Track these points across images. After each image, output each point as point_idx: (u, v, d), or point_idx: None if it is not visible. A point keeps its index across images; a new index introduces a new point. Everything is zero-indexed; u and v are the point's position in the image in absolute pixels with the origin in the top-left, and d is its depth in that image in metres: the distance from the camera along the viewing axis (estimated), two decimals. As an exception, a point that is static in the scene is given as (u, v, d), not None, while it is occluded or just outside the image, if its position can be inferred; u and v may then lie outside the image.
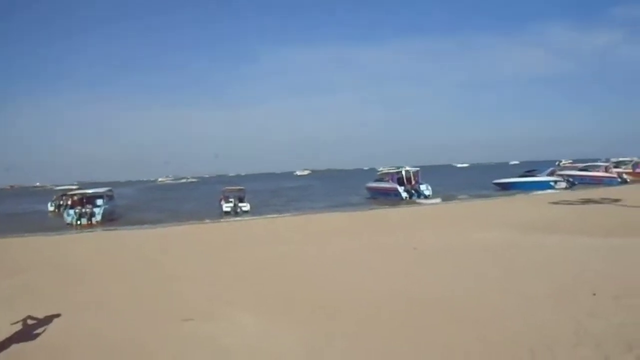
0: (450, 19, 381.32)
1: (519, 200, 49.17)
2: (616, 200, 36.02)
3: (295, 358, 8.94)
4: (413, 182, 58.40)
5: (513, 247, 18.76)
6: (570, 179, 62.09)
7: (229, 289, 14.82)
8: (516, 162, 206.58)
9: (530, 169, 71.00)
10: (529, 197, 50.38)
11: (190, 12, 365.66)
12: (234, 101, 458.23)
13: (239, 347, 9.49)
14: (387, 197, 57.65)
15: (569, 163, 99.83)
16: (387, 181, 61.11)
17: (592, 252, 16.68)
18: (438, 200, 54.58)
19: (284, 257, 20.04)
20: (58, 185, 79.22)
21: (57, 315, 11.87)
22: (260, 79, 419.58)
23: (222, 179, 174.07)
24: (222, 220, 46.56)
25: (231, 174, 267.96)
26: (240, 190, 58.95)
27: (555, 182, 60.71)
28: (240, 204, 53.32)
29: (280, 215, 47.30)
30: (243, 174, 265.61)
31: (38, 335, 10.56)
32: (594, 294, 11.12)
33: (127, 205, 65.91)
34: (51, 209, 65.13)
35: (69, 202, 54.06)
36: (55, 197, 67.22)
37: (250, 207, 53.54)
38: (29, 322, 11.37)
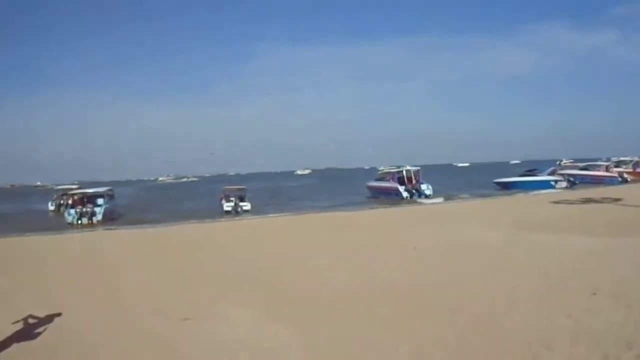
0: (449, 16, 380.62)
1: (519, 199, 49.17)
2: (617, 200, 36.00)
3: (290, 352, 9.01)
4: (414, 182, 58.30)
5: (512, 245, 18.79)
6: (571, 179, 62.06)
7: (225, 287, 14.92)
8: (517, 162, 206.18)
9: (530, 169, 70.87)
10: (530, 197, 50.38)
11: (189, 12, 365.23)
12: (234, 100, 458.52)
13: (235, 344, 9.53)
14: (388, 197, 57.61)
15: (569, 162, 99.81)
16: (388, 180, 61.07)
17: (592, 251, 16.69)
18: (439, 199, 54.52)
19: (282, 255, 20.17)
20: (59, 185, 78.86)
21: (59, 315, 11.89)
22: (261, 78, 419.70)
23: (223, 178, 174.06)
24: (222, 219, 46.61)
25: (231, 173, 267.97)
26: (241, 189, 58.89)
27: (556, 181, 60.66)
28: (241, 204, 53.34)
29: (280, 215, 47.26)
30: (243, 173, 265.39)
31: (39, 334, 10.57)
32: (594, 294, 11.13)
33: (127, 205, 65.90)
34: (51, 208, 65.00)
35: (70, 202, 54.01)
36: (55, 196, 67.03)
37: (251, 207, 53.58)
38: (30, 321, 11.39)
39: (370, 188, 65.80)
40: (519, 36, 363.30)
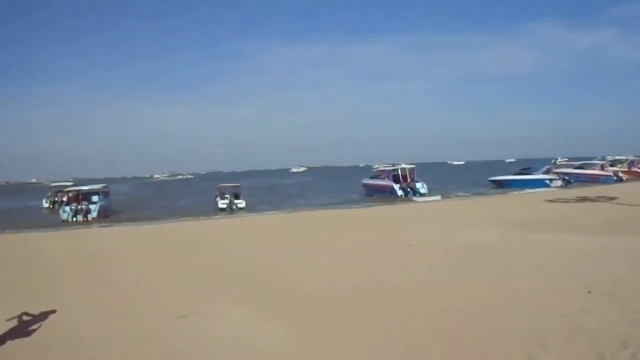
0: (445, 15, 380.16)
1: (514, 198, 49.22)
2: (612, 199, 36.09)
3: (285, 351, 9.02)
4: (409, 180, 58.28)
5: (507, 244, 18.80)
6: (566, 177, 62.19)
7: (219, 284, 14.94)
8: (512, 160, 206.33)
9: (525, 167, 70.92)
10: (525, 195, 50.42)
11: (184, 11, 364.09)
12: (230, 98, 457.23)
13: (230, 342, 9.54)
14: (383, 195, 57.59)
15: (564, 161, 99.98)
16: (383, 178, 60.96)
17: (587, 250, 16.71)
18: (433, 198, 54.51)
19: (277, 253, 20.15)
20: (54, 182, 78.68)
21: (53, 312, 11.87)
22: (256, 75, 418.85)
23: (218, 176, 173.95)
24: (217, 216, 46.63)
25: (226, 171, 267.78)
26: (235, 186, 58.84)
27: (551, 180, 60.72)
28: (235, 201, 53.33)
29: (275, 213, 47.26)
30: (239, 170, 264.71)
31: (33, 331, 10.54)
32: (589, 292, 11.13)
33: (123, 202, 65.74)
34: (46, 205, 64.83)
35: (65, 199, 53.93)
36: (50, 193, 66.89)
37: (246, 204, 53.58)
38: (25, 318, 11.35)
39: (366, 186, 65.72)
40: (515, 35, 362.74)
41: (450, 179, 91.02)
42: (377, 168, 71.44)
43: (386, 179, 60.06)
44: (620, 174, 66.42)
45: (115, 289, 14.77)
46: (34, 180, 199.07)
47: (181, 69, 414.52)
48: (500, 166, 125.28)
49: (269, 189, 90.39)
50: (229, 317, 11.30)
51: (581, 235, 19.95)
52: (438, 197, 54.93)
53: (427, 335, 9.13)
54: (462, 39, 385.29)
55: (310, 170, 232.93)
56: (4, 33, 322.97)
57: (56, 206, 58.65)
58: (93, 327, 10.76)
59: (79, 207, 48.90)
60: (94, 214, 48.62)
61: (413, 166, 61.25)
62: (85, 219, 47.69)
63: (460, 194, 59.40)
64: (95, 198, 52.34)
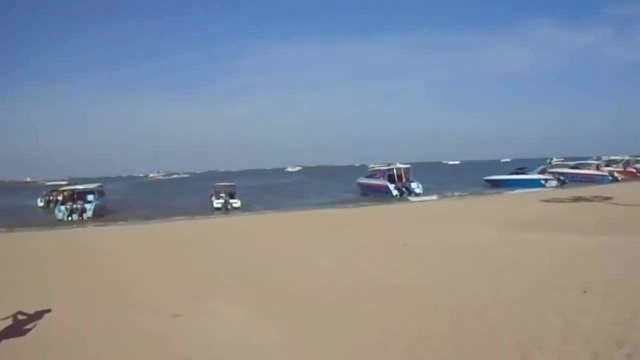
0: (440, 15, 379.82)
1: (509, 198, 49.39)
2: (607, 199, 36.18)
3: (281, 350, 9.04)
4: (404, 180, 58.21)
5: (502, 243, 18.81)
6: (561, 177, 62.31)
7: (214, 284, 14.97)
8: (508, 160, 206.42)
9: (520, 167, 70.98)
10: (520, 195, 50.55)
11: (184, 11, 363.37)
12: (227, 97, 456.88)
13: (226, 341, 9.55)
14: (378, 194, 57.56)
15: (560, 161, 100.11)
16: (379, 178, 60.91)
17: (583, 249, 16.73)
18: (429, 197, 54.58)
19: (272, 253, 20.18)
20: (49, 181, 78.40)
21: (48, 311, 11.84)
22: (253, 75, 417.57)
23: (213, 175, 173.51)
24: (213, 216, 46.64)
25: (222, 170, 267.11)
26: (231, 186, 58.75)
27: (546, 180, 60.79)
28: (231, 200, 53.24)
29: (270, 212, 47.29)
30: (234, 170, 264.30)
31: (28, 330, 10.52)
32: (585, 292, 11.15)
33: (118, 201, 65.53)
34: (41, 204, 64.47)
35: (60, 198, 53.76)
36: (45, 192, 66.57)
37: (241, 204, 53.55)
38: (20, 317, 11.33)
39: (361, 185, 65.69)
40: (512, 35, 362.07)
41: (446, 178, 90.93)
42: (373, 168, 71.35)
43: (381, 178, 59.96)
44: (616, 174, 66.48)
45: (111, 288, 14.76)
46: (28, 179, 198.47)
47: (180, 69, 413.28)
48: (495, 166, 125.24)
49: (265, 189, 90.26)
50: (225, 316, 11.32)
51: (577, 235, 19.99)
52: (435, 197, 55.04)
53: (423, 335, 9.14)
54: (460, 38, 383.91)
55: (306, 170, 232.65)
56: (4, 33, 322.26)
57: (51, 205, 58.33)
58: (89, 326, 10.75)
59: (75, 206, 48.64)
60: (89, 214, 48.36)
61: (408, 166, 61.22)
62: (80, 218, 47.41)
63: (456, 193, 59.41)
64: (90, 197, 52.03)
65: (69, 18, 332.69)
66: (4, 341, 9.79)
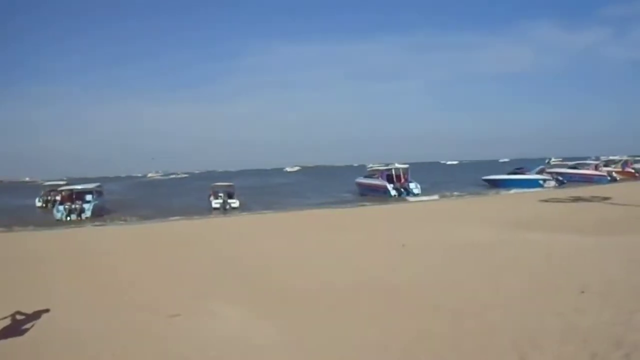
0: (440, 15, 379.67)
1: (508, 198, 49.49)
2: (606, 199, 36.17)
3: (278, 348, 9.07)
4: (402, 180, 58.26)
5: (501, 243, 18.80)
6: (560, 178, 62.37)
7: (213, 284, 14.98)
8: (506, 160, 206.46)
9: (519, 167, 71.03)
10: (518, 195, 50.64)
11: (179, 9, 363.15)
12: (225, 97, 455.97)
13: (225, 341, 9.56)
14: (376, 194, 57.64)
15: (558, 161, 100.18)
16: (377, 178, 60.92)
17: (581, 249, 16.73)
18: (427, 198, 54.61)
19: (271, 253, 20.16)
20: (48, 181, 78.27)
21: (46, 311, 11.84)
22: (252, 74, 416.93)
23: (212, 175, 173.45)
24: (211, 216, 46.70)
25: (220, 170, 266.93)
26: (229, 186, 58.82)
27: (544, 180, 60.84)
28: (229, 200, 53.29)
29: (269, 212, 47.31)
30: (232, 170, 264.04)
31: (26, 330, 10.52)
32: (583, 292, 11.15)
33: (116, 201, 65.48)
34: (39, 204, 64.25)
35: (58, 198, 53.67)
36: (43, 192, 66.44)
37: (240, 204, 53.58)
38: (18, 317, 11.33)
39: (359, 185, 65.77)
40: (511, 35, 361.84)
41: (444, 178, 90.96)
42: (372, 168, 71.35)
43: (380, 178, 60.00)
44: (614, 174, 66.62)
45: (110, 288, 14.77)
46: (27, 179, 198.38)
47: (180, 69, 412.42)
48: (494, 166, 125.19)
49: (263, 189, 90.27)
50: (224, 316, 11.33)
51: (575, 235, 20.00)
52: (433, 197, 55.10)
53: (423, 335, 9.14)
54: (460, 38, 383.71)
55: (304, 170, 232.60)
56: (4, 33, 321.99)
57: (49, 205, 58.32)
58: (88, 326, 10.76)
59: (73, 206, 48.60)
60: (88, 214, 48.31)
61: (407, 166, 61.28)
62: (79, 218, 47.35)
63: (455, 193, 59.46)
64: (89, 197, 52.04)
65: (69, 18, 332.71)
66: (2, 341, 9.80)
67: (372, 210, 43.58)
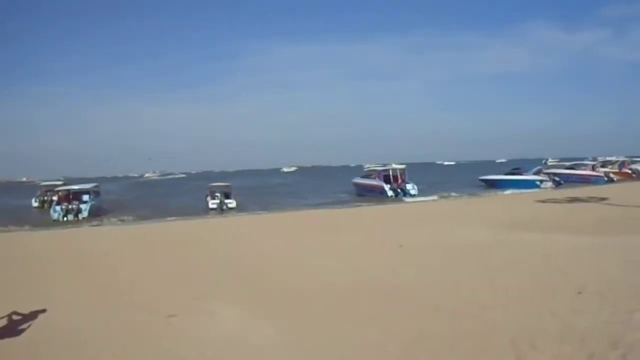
0: (440, 15, 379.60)
1: (505, 198, 49.50)
2: (603, 199, 36.27)
3: (277, 348, 9.08)
4: (399, 181, 58.28)
5: (498, 244, 18.85)
6: (557, 178, 62.39)
7: (209, 284, 14.95)
8: (503, 160, 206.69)
9: (515, 168, 71.08)
10: (515, 196, 50.64)
11: (179, 9, 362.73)
12: (218, 97, 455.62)
13: (223, 341, 9.56)
14: (373, 195, 57.63)
15: (555, 162, 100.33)
16: (374, 178, 60.91)
17: (578, 250, 16.78)
18: (424, 198, 54.60)
19: (268, 253, 20.17)
20: (45, 181, 78.04)
21: (43, 311, 11.81)
22: (252, 74, 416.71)
23: (209, 175, 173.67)
24: (208, 216, 46.72)
25: (217, 170, 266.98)
26: (226, 186, 58.68)
27: (541, 181, 60.84)
28: (226, 201, 53.20)
29: (265, 212, 47.28)
30: (230, 170, 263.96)
31: (23, 330, 10.50)
32: (580, 292, 11.16)
33: (114, 201, 65.38)
34: (35, 204, 63.84)
35: (55, 198, 53.49)
36: (39, 192, 66.10)
37: (237, 204, 53.60)
38: (14, 317, 11.31)
39: (356, 185, 65.79)
40: (509, 36, 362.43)
41: (441, 179, 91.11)
42: (369, 168, 71.35)
43: (377, 179, 59.99)
44: (611, 175, 66.83)
45: (110, 288, 14.75)
46: (24, 179, 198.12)
47: (180, 69, 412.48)
48: (491, 166, 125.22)
49: (260, 189, 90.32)
50: (223, 316, 11.32)
51: (572, 235, 20.04)
52: (430, 198, 55.08)
53: (419, 337, 9.14)
54: (459, 39, 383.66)
55: (301, 170, 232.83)
56: (4, 33, 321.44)
57: (46, 205, 58.19)
58: (88, 326, 10.75)
59: (70, 206, 48.37)
60: (85, 214, 48.12)
61: (404, 167, 61.26)
62: (76, 218, 47.16)
63: (452, 194, 59.43)
64: (86, 197, 51.82)
65: (69, 18, 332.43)
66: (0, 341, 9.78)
67: (369, 211, 43.58)
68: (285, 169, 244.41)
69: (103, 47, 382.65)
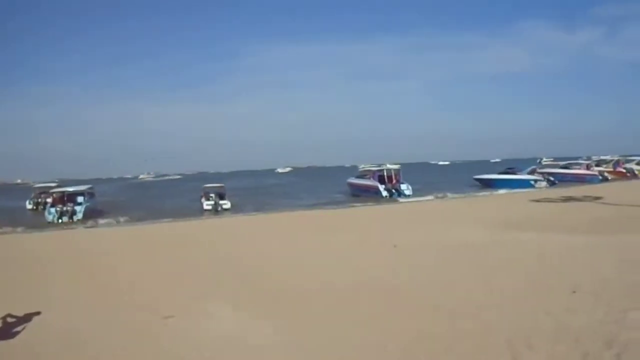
0: (440, 15, 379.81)
1: (500, 198, 49.56)
2: (597, 198, 36.33)
3: (277, 348, 9.10)
4: (394, 181, 58.26)
5: (492, 243, 18.90)
6: (551, 178, 62.50)
7: (208, 284, 14.97)
8: (497, 160, 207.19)
9: (510, 167, 71.19)
10: (510, 195, 50.77)
11: (179, 9, 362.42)
12: (215, 97, 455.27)
13: (221, 341, 9.58)
14: (368, 195, 57.65)
15: (550, 161, 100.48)
16: (369, 178, 60.93)
17: (573, 249, 16.84)
18: (419, 198, 54.60)
19: (265, 254, 20.18)
20: (39, 183, 77.73)
21: (37, 313, 11.79)
22: (251, 75, 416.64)
23: (204, 176, 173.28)
24: (203, 217, 46.75)
25: (212, 171, 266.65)
26: (220, 187, 58.78)
27: (536, 181, 60.95)
28: (220, 202, 53.19)
29: (260, 213, 47.23)
30: (224, 171, 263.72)
31: (18, 333, 10.48)
32: (574, 292, 11.19)
33: (108, 203, 65.26)
34: (29, 206, 63.51)
35: (49, 200, 53.25)
36: (33, 194, 65.72)
37: (231, 205, 53.53)
38: (9, 320, 11.28)
39: (351, 185, 65.84)
40: (507, 36, 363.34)
41: (436, 179, 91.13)
42: (363, 168, 71.33)
43: (371, 179, 60.02)
44: (606, 174, 66.98)
45: (103, 290, 14.75)
46: (19, 180, 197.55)
47: (180, 69, 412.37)
48: (485, 166, 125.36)
49: (255, 190, 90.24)
50: (222, 316, 11.36)
51: (566, 234, 20.09)
52: (425, 198, 55.07)
53: (422, 335, 9.16)
54: (459, 39, 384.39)
55: (296, 171, 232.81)
56: (4, 33, 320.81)
57: (40, 207, 58.00)
58: (80, 328, 10.76)
59: (65, 208, 48.19)
60: (80, 216, 47.91)
61: (398, 167, 61.24)
62: (70, 220, 47.04)
63: (447, 194, 59.42)
64: (80, 199, 51.73)
65: (69, 18, 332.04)
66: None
67: (364, 211, 43.61)
68: (279, 170, 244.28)
69: (103, 47, 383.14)
